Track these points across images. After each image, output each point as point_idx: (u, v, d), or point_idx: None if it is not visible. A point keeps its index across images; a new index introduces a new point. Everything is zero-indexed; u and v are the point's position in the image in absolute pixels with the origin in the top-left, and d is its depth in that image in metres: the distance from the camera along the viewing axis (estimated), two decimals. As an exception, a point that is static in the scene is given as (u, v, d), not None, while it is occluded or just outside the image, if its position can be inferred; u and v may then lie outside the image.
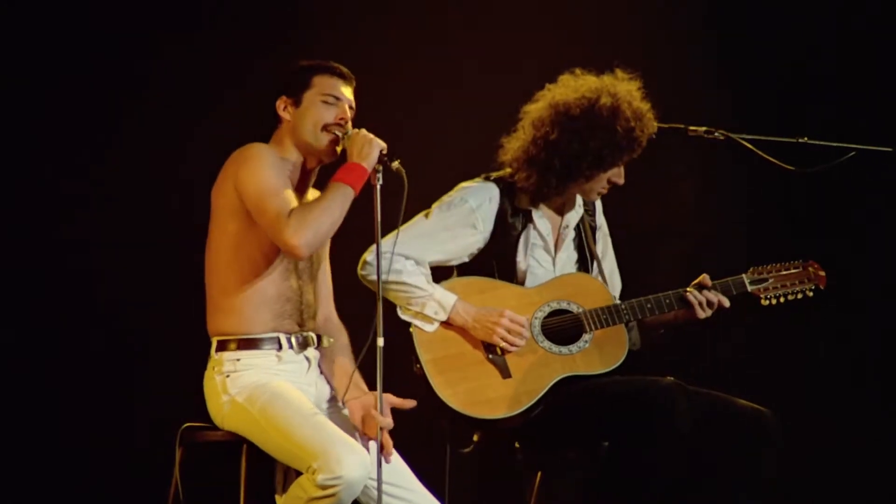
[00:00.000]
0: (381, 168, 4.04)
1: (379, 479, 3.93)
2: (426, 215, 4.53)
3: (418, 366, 4.41)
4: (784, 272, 4.58)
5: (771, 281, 4.57)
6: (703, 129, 4.55)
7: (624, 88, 4.46)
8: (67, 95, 5.41)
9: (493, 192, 4.55)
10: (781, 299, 4.57)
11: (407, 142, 4.16)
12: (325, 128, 4.15)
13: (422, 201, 4.52)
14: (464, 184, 4.59)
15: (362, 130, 4.10)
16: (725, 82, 5.65)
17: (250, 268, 4.08)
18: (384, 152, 4.05)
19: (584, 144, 4.43)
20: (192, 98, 5.46)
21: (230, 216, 4.07)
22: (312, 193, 4.23)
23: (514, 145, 4.56)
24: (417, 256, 4.45)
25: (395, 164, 4.05)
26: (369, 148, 4.04)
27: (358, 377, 4.20)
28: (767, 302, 4.56)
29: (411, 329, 4.44)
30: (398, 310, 4.44)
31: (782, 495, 4.48)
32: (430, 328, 4.43)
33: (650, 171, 4.71)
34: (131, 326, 5.42)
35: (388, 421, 4.05)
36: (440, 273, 4.54)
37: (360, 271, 4.43)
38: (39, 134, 5.41)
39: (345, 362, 4.25)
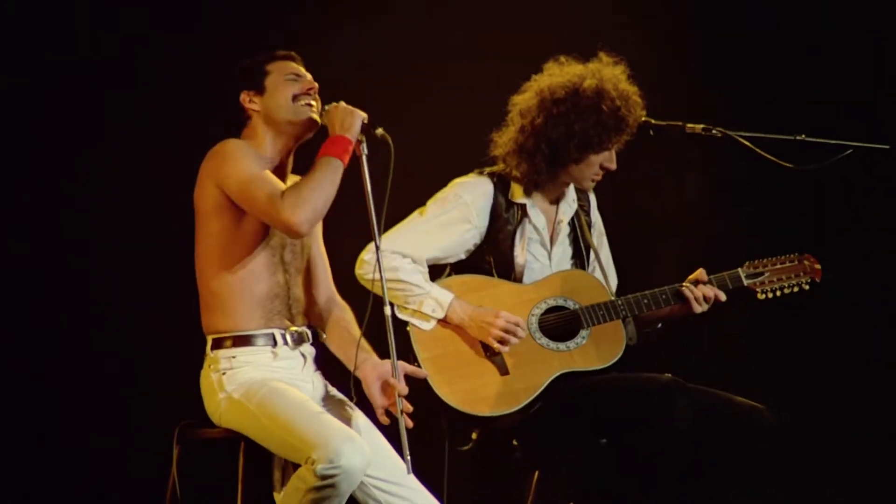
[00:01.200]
0: (364, 138, 4.05)
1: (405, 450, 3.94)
2: (421, 212, 4.54)
3: (416, 364, 4.41)
4: (780, 266, 4.59)
5: (767, 275, 4.58)
6: (701, 126, 4.56)
7: (609, 72, 4.48)
8: (67, 95, 5.41)
9: (487, 186, 4.57)
10: (778, 293, 4.58)
11: (404, 139, 4.16)
12: (296, 98, 4.15)
13: (419, 198, 4.54)
14: (457, 179, 4.61)
15: (341, 103, 4.10)
16: (723, 80, 5.65)
17: (238, 267, 4.08)
18: (366, 122, 4.06)
19: (569, 126, 4.44)
20: (193, 98, 5.46)
21: (214, 216, 4.07)
22: (291, 180, 4.21)
23: (504, 138, 4.58)
24: (414, 254, 4.46)
25: (380, 131, 4.06)
26: (351, 118, 4.04)
27: (365, 343, 4.18)
28: (764, 296, 4.58)
29: (408, 328, 4.44)
30: (395, 309, 4.44)
31: (779, 492, 4.48)
32: (427, 326, 4.44)
33: (648, 169, 4.72)
34: (129, 325, 5.42)
35: (404, 387, 4.04)
36: (434, 272, 4.55)
37: (357, 270, 4.45)
38: (39, 134, 5.42)
39: (352, 333, 4.23)
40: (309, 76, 4.23)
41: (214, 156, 4.07)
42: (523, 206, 4.58)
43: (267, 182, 3.99)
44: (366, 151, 4.05)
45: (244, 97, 4.19)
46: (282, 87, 4.16)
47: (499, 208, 4.55)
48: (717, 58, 5.66)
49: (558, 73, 4.52)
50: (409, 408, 4.04)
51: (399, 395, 4.01)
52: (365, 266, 4.42)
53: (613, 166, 4.54)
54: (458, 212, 4.52)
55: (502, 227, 4.55)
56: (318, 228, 4.33)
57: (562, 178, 4.58)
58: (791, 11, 5.60)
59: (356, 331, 4.23)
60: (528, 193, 4.58)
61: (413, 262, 4.45)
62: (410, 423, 4.03)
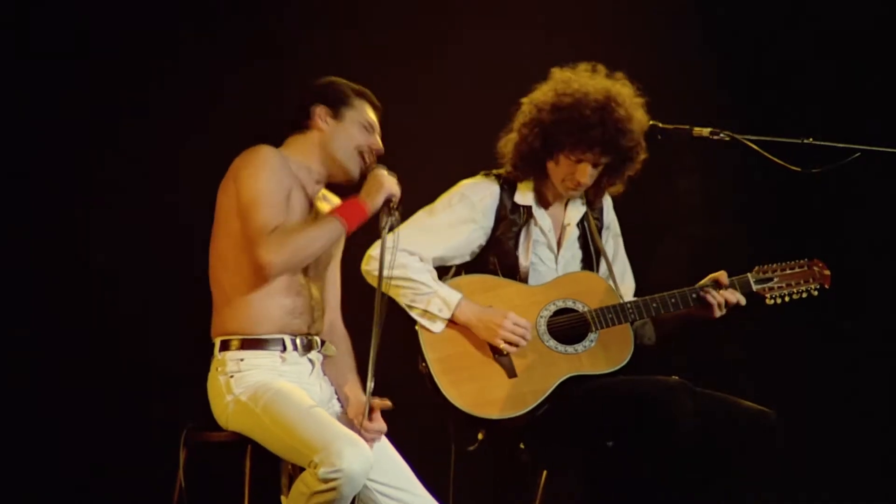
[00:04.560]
0: (386, 213, 4.06)
1: None
2: (428, 211, 4.55)
3: (424, 364, 4.41)
4: (789, 271, 4.59)
5: (776, 280, 4.57)
6: (708, 130, 4.54)
7: (617, 90, 4.46)
8: (69, 96, 5.41)
9: (493, 187, 4.58)
10: (787, 298, 4.57)
11: (410, 140, 4.16)
12: (360, 151, 4.18)
13: (422, 199, 4.54)
14: (465, 181, 4.62)
15: (380, 172, 4.11)
16: (730, 83, 5.64)
17: (257, 266, 4.06)
18: (393, 200, 4.06)
19: (543, 121, 4.45)
20: (194, 98, 5.46)
21: (234, 216, 4.06)
22: (323, 202, 4.25)
23: (506, 139, 4.59)
24: (421, 253, 4.46)
25: (395, 217, 4.06)
26: (378, 192, 4.04)
27: (355, 379, 4.26)
28: (772, 301, 4.57)
29: (417, 328, 4.44)
30: (405, 306, 4.45)
31: (786, 496, 4.48)
32: (435, 327, 4.44)
33: (653, 171, 4.70)
34: (135, 327, 5.42)
35: (382, 425, 4.11)
36: (440, 273, 4.55)
37: (364, 266, 4.45)
38: (40, 134, 5.41)
39: (345, 369, 4.27)
40: (379, 134, 4.23)
41: (243, 158, 4.08)
42: (529, 209, 4.58)
43: (269, 209, 4.00)
44: (388, 227, 4.05)
45: (320, 110, 4.18)
46: (355, 129, 4.19)
47: (504, 209, 4.56)
48: (724, 60, 5.66)
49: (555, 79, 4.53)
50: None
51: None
52: (372, 262, 4.42)
53: (583, 180, 4.50)
54: (464, 211, 4.53)
55: (507, 228, 4.56)
56: (339, 251, 4.33)
57: (550, 179, 4.57)
58: (798, 12, 5.59)
59: (352, 363, 4.28)
60: (534, 196, 4.58)
61: (421, 261, 4.45)
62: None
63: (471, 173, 4.64)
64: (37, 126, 5.38)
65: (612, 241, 4.75)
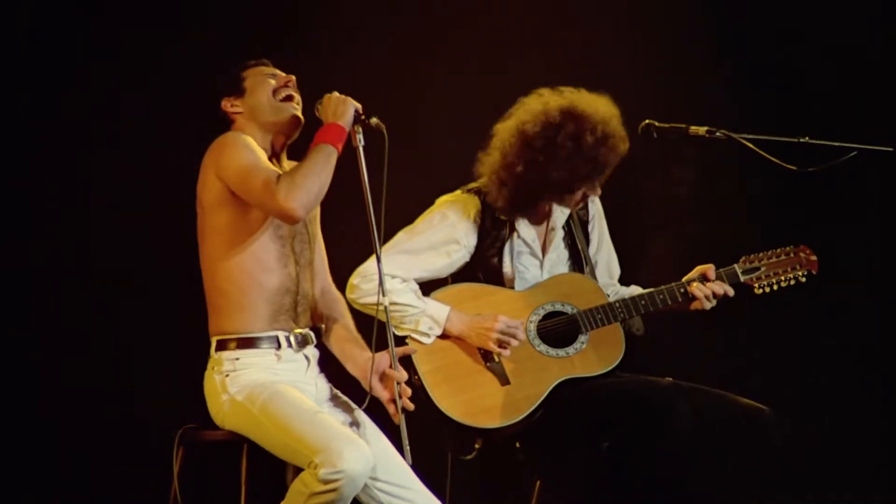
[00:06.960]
0: (360, 129, 4.06)
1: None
2: (409, 233, 4.54)
3: (416, 377, 4.42)
4: (775, 259, 4.57)
5: (763, 269, 4.56)
6: (705, 129, 4.53)
7: (591, 110, 4.39)
8: (69, 96, 5.43)
9: (473, 204, 4.55)
10: (775, 287, 4.56)
11: (405, 144, 4.17)
12: (276, 93, 4.18)
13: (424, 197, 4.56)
14: (444, 198, 4.60)
15: (334, 93, 4.12)
16: (726, 82, 5.63)
17: (247, 259, 4.07)
18: (360, 111, 4.07)
19: (547, 175, 4.39)
20: (192, 98, 5.45)
21: (219, 209, 4.08)
22: (288, 166, 4.23)
23: (486, 166, 4.53)
24: (403, 275, 4.47)
25: (374, 120, 4.07)
26: (344, 107, 4.06)
27: (359, 340, 4.23)
28: (761, 290, 4.56)
29: (407, 340, 4.46)
30: (393, 327, 4.44)
31: (783, 493, 4.48)
32: (427, 340, 4.45)
33: (647, 169, 4.69)
34: (131, 326, 5.44)
35: (403, 373, 4.07)
36: (437, 283, 4.56)
37: (348, 295, 4.45)
38: (40, 134, 5.42)
39: (348, 329, 4.26)
40: (282, 73, 4.25)
41: (214, 148, 4.10)
42: (511, 222, 4.56)
43: (263, 170, 4.00)
44: (362, 143, 4.06)
45: (225, 103, 4.23)
46: (261, 86, 4.20)
47: (486, 226, 4.54)
48: (720, 59, 5.64)
49: (540, 111, 4.44)
50: (408, 391, 4.06)
51: (397, 382, 4.04)
52: (357, 291, 4.44)
53: (596, 194, 4.51)
54: (445, 234, 4.52)
55: (491, 244, 4.55)
56: (316, 218, 4.33)
57: (542, 207, 4.56)
58: (794, 11, 5.58)
59: (351, 325, 4.26)
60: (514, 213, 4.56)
61: (403, 282, 4.47)
62: (411, 406, 4.04)
63: (460, 173, 4.63)
64: (37, 126, 5.41)
65: (598, 228, 4.72)
